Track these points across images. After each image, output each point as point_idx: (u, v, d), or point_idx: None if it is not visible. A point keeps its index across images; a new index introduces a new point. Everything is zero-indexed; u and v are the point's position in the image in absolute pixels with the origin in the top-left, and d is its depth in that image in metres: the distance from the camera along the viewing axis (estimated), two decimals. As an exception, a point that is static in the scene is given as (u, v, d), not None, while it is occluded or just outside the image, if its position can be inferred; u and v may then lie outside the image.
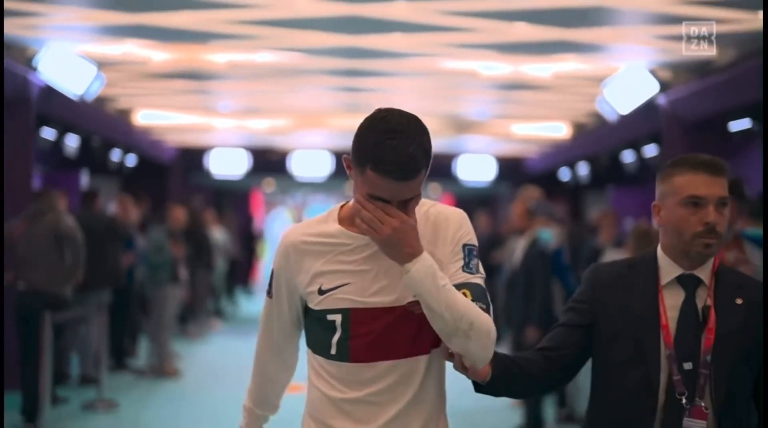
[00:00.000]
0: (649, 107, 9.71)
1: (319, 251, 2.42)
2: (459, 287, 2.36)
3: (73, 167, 12.91)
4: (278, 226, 26.68)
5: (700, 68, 8.85)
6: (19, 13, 7.62)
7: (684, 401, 2.53)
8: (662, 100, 9.47)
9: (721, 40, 7.92)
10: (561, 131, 13.96)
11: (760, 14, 6.91)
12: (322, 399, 2.44)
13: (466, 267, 2.41)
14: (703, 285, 2.63)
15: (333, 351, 2.41)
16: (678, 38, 8.06)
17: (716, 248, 2.59)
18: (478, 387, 2.56)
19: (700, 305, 2.60)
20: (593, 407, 2.72)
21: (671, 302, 2.62)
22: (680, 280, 2.63)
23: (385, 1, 7.13)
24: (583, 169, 14.14)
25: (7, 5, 7.24)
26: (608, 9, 7.25)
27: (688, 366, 2.54)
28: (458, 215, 2.47)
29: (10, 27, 8.05)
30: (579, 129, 13.53)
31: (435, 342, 2.42)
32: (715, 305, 2.60)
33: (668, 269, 2.65)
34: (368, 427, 2.40)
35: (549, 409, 7.89)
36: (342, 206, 2.49)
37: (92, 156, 12.61)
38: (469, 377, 2.48)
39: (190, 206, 13.73)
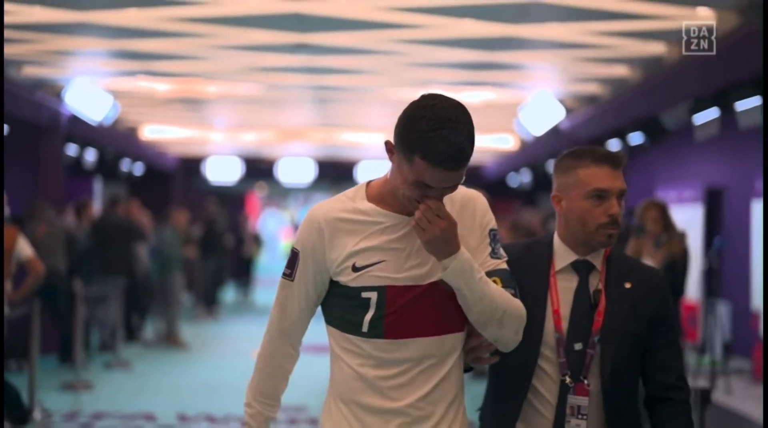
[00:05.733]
0: (557, 127, 11.97)
1: (352, 229, 2.37)
2: (490, 274, 2.39)
3: (87, 175, 14.86)
4: (271, 225, 28.81)
5: (589, 100, 11.10)
6: (52, 63, 9.93)
7: (568, 380, 2.62)
8: (565, 124, 11.77)
9: (607, 82, 10.25)
10: (509, 142, 16.15)
11: (623, 67, 9.26)
12: (352, 375, 2.39)
13: (494, 253, 2.43)
14: (595, 271, 2.71)
15: (365, 329, 2.36)
16: (574, 79, 10.40)
17: (615, 238, 2.69)
18: (467, 369, 2.56)
19: (592, 289, 2.68)
20: (488, 383, 2.80)
21: (565, 287, 2.70)
22: (574, 266, 2.71)
23: (344, 55, 9.34)
24: (525, 176, 16.28)
25: (44, 58, 9.54)
26: (513, 64, 9.48)
27: (578, 346, 2.63)
28: (481, 198, 2.48)
29: (47, 73, 10.37)
30: (524, 141, 15.67)
31: (465, 319, 2.42)
32: (605, 289, 2.68)
33: (563, 256, 2.72)
34: (399, 404, 2.36)
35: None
36: (368, 184, 2.45)
37: (105, 166, 14.26)
38: (480, 364, 2.52)
39: (206, 210, 15.87)
